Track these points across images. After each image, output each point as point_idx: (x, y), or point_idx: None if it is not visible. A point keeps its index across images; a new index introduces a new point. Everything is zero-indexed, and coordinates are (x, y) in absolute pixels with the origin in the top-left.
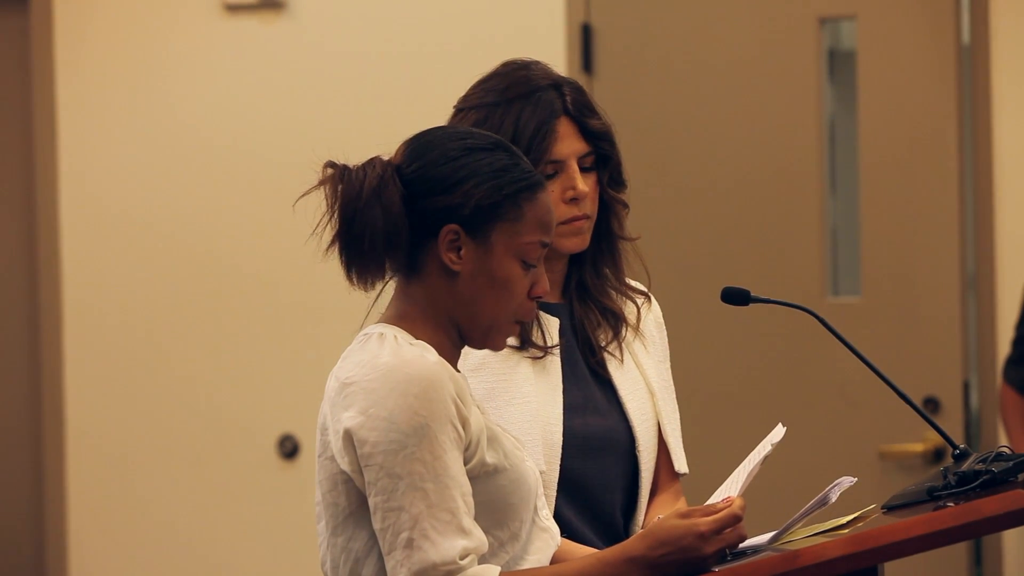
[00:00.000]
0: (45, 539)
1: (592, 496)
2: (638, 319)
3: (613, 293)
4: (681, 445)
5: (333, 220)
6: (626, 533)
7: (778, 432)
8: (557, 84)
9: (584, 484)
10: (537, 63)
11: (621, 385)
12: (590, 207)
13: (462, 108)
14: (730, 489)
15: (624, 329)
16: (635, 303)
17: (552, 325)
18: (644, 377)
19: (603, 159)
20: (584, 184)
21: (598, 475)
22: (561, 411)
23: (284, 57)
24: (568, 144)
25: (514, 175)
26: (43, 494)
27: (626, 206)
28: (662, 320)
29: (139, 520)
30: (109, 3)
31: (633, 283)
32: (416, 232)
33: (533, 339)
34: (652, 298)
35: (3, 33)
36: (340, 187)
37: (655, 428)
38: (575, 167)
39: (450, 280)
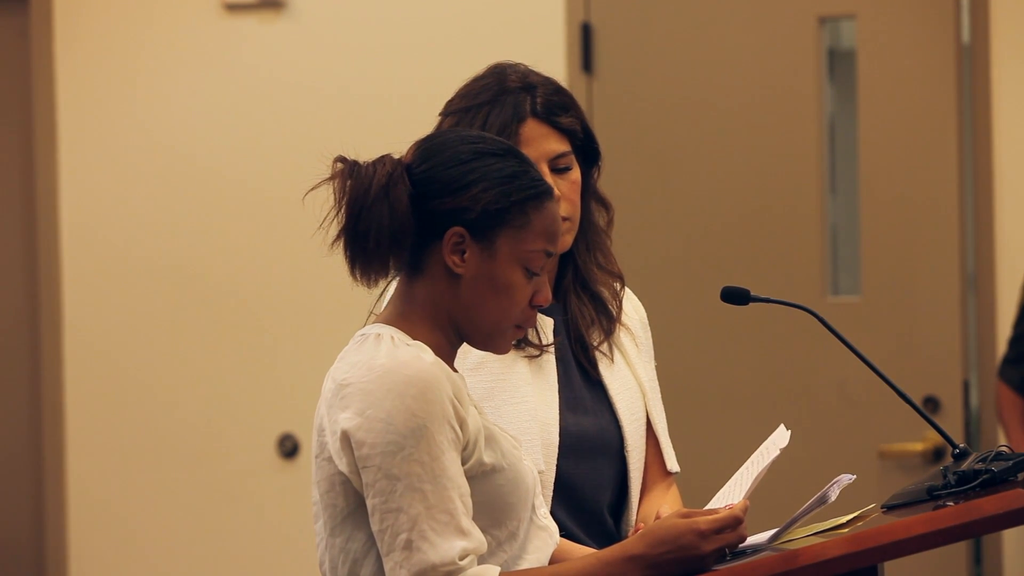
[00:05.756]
0: (45, 538)
1: (583, 496)
2: (619, 309)
3: (605, 291)
4: (670, 444)
5: (340, 215)
6: (617, 533)
7: (783, 436)
8: (530, 86)
9: (575, 484)
10: (517, 66)
11: (611, 385)
12: (567, 209)
13: (443, 115)
14: (732, 495)
15: (615, 328)
16: (617, 297)
17: (547, 324)
18: (635, 376)
19: (589, 156)
20: (556, 187)
21: (589, 475)
22: (557, 412)
23: (284, 57)
24: (537, 147)
25: (523, 182)
26: (43, 493)
27: (608, 207)
28: (647, 320)
29: (139, 519)
30: (109, 3)
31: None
32: (421, 233)
33: (529, 338)
34: (626, 287)
35: (3, 33)
36: (349, 183)
37: (644, 428)
38: (545, 170)
39: (452, 283)
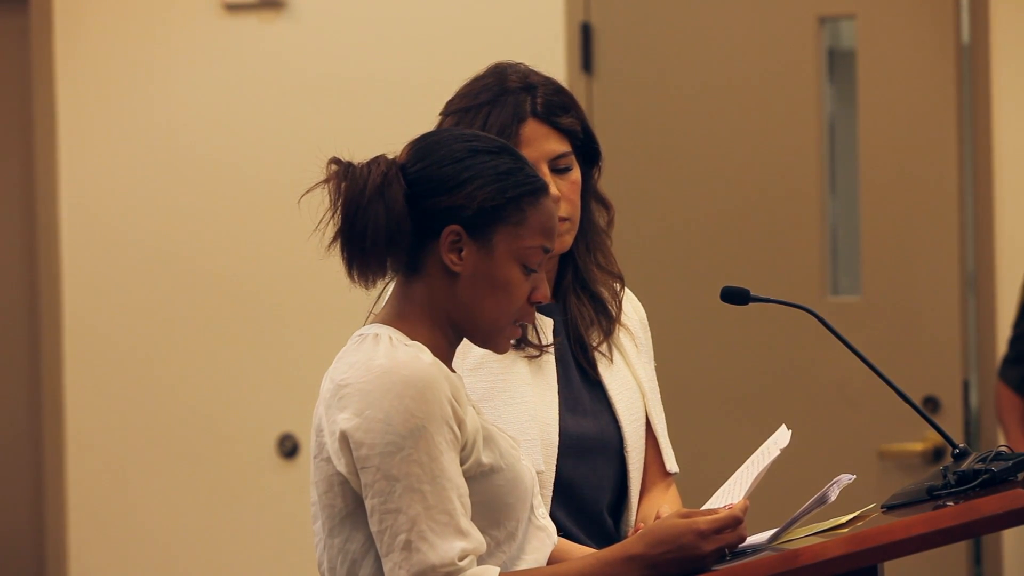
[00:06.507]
0: (45, 538)
1: (583, 497)
2: (619, 309)
3: (605, 291)
4: (670, 445)
5: (336, 217)
6: (616, 533)
7: (784, 436)
8: (530, 86)
9: (575, 485)
10: (517, 66)
11: (611, 385)
12: (567, 209)
13: (443, 114)
14: (731, 494)
15: (615, 328)
16: (617, 297)
17: (547, 325)
18: (635, 376)
19: (589, 156)
20: (556, 188)
21: (589, 476)
22: (557, 412)
23: (284, 57)
24: (537, 147)
25: (518, 179)
26: (43, 493)
27: (609, 207)
28: (647, 321)
29: (139, 520)
30: (109, 3)
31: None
32: (418, 232)
33: (529, 338)
34: (626, 287)
35: (3, 33)
36: (344, 184)
37: (643, 429)
38: (545, 171)
39: (450, 281)
